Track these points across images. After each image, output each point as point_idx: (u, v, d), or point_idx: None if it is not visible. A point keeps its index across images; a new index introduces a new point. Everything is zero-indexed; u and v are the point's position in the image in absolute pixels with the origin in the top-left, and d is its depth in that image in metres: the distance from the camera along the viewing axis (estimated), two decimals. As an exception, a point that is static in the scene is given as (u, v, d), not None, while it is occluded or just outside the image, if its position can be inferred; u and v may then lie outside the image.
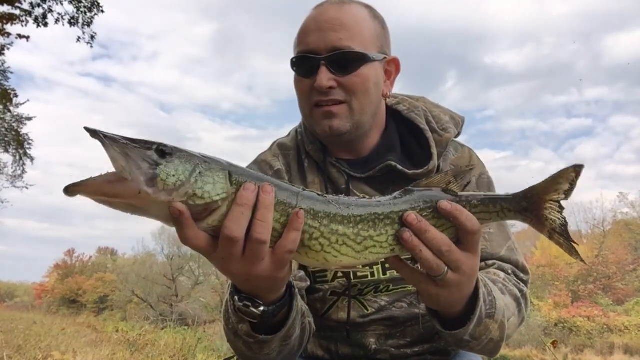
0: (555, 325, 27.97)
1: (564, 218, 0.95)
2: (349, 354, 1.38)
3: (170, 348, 8.45)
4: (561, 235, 0.94)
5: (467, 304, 1.02)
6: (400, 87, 1.52)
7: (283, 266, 0.88)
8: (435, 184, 0.94)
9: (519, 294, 1.28)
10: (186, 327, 14.58)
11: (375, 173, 1.34)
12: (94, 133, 0.77)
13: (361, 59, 1.27)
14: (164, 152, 0.79)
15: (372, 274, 1.34)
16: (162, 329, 13.71)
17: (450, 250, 0.90)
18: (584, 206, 38.57)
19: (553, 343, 5.94)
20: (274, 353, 1.10)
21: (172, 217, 0.79)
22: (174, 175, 0.78)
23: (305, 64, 1.30)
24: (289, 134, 1.53)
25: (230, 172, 0.82)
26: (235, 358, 1.78)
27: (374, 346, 1.35)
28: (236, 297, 0.98)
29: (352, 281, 1.35)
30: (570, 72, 59.66)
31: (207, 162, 0.81)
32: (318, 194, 0.89)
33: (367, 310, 1.35)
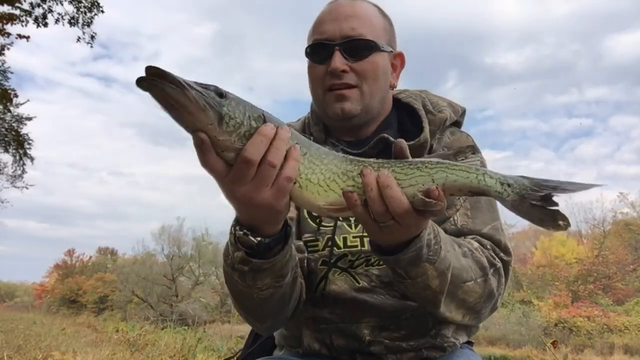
0: (555, 325, 27.99)
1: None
2: (344, 346, 1.38)
3: (170, 348, 8.44)
4: (540, 206, 0.99)
5: (407, 244, 1.08)
6: (401, 86, 1.56)
7: (283, 195, 0.97)
8: (443, 155, 1.00)
9: (486, 264, 1.28)
10: (186, 327, 14.57)
11: (370, 149, 1.38)
12: (152, 78, 0.84)
13: (373, 47, 1.37)
14: (221, 94, 0.90)
15: (362, 244, 1.36)
16: (162, 329, 13.71)
17: (403, 216, 0.97)
18: (584, 206, 38.62)
19: (553, 343, 5.93)
20: (267, 291, 1.17)
21: (196, 144, 0.90)
22: (234, 117, 0.91)
23: (320, 50, 1.39)
24: (298, 119, 1.61)
25: (265, 115, 0.96)
26: (235, 358, 1.79)
27: (367, 337, 1.36)
28: (237, 227, 1.07)
29: (342, 250, 1.38)
30: (571, 73, 59.78)
31: (251, 106, 0.95)
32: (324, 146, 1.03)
33: (359, 283, 1.37)
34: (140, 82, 0.83)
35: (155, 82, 0.83)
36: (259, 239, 1.07)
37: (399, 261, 1.10)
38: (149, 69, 0.83)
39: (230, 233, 1.12)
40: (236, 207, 1.03)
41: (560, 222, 0.98)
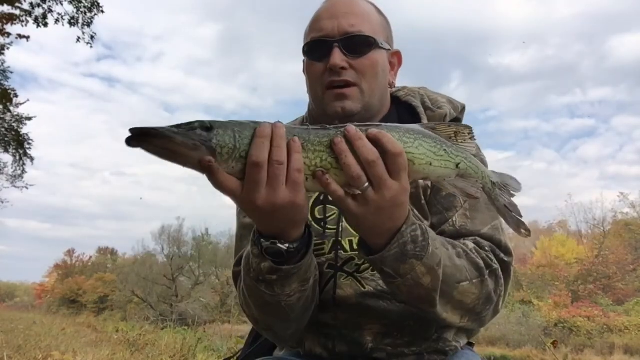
0: (555, 325, 28.00)
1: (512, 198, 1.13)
2: (346, 352, 1.37)
3: (170, 348, 8.43)
4: (509, 209, 1.10)
5: (391, 240, 1.08)
6: (402, 84, 1.56)
7: (299, 188, 0.97)
8: (437, 128, 1.04)
9: (482, 265, 1.25)
10: (186, 327, 14.56)
11: None
12: (138, 137, 0.89)
13: (372, 44, 1.36)
14: (207, 127, 0.93)
15: None
16: (162, 329, 13.69)
17: (376, 163, 0.97)
18: (584, 206, 38.66)
19: (553, 343, 5.95)
20: (295, 296, 1.18)
21: (203, 168, 0.93)
22: (225, 145, 0.94)
23: (318, 48, 1.37)
24: (296, 119, 1.59)
25: (253, 126, 0.98)
26: (235, 358, 1.78)
27: (370, 344, 1.35)
28: (262, 239, 1.08)
29: (349, 253, 1.36)
30: (574, 73, 59.73)
31: (239, 125, 0.97)
32: (324, 127, 1.01)
33: (365, 288, 1.34)
34: (130, 142, 0.89)
35: (142, 139, 0.90)
36: (287, 245, 1.07)
37: (385, 259, 1.09)
38: (132, 131, 0.89)
39: (253, 245, 1.11)
40: (259, 217, 1.03)
41: (523, 231, 1.09)
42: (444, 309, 1.22)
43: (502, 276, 1.30)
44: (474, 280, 1.23)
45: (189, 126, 0.93)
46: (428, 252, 1.11)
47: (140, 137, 0.89)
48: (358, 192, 0.98)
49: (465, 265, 1.22)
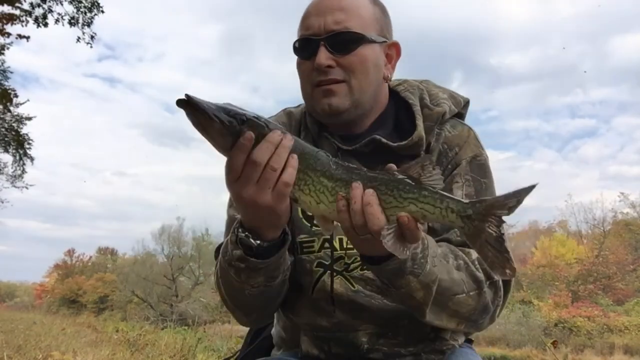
0: (555, 325, 27.97)
1: (500, 231, 1.00)
2: (342, 353, 1.38)
3: (170, 348, 8.42)
4: (493, 247, 1.00)
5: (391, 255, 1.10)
6: (403, 77, 1.54)
7: (283, 199, 1.06)
8: (408, 169, 1.03)
9: (482, 277, 1.27)
10: (186, 327, 14.57)
11: (362, 147, 1.37)
12: (187, 102, 0.99)
13: (359, 40, 1.33)
14: (242, 120, 1.03)
15: None
16: (162, 329, 13.69)
17: (377, 218, 1.01)
18: (584, 206, 38.62)
19: (553, 343, 5.95)
20: (258, 289, 1.26)
21: (225, 151, 1.04)
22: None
23: (306, 46, 1.36)
24: (299, 105, 1.57)
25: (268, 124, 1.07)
26: (234, 358, 1.78)
27: (366, 345, 1.35)
28: (240, 229, 1.17)
29: (339, 252, 1.36)
30: (575, 73, 59.64)
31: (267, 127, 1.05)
32: (325, 155, 1.08)
33: (354, 287, 1.35)
34: (179, 103, 0.99)
35: (189, 106, 1.00)
36: (258, 242, 1.17)
37: (382, 271, 1.15)
38: (186, 96, 0.99)
39: (232, 232, 1.20)
40: (242, 208, 1.12)
41: (507, 271, 1.01)
42: (438, 317, 1.25)
43: (502, 287, 1.31)
44: (471, 293, 1.25)
45: (232, 113, 1.02)
46: (425, 269, 1.16)
47: (189, 104, 0.99)
48: (360, 236, 1.06)
49: (464, 278, 1.25)
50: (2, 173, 19.54)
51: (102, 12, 14.59)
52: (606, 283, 33.03)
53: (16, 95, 17.39)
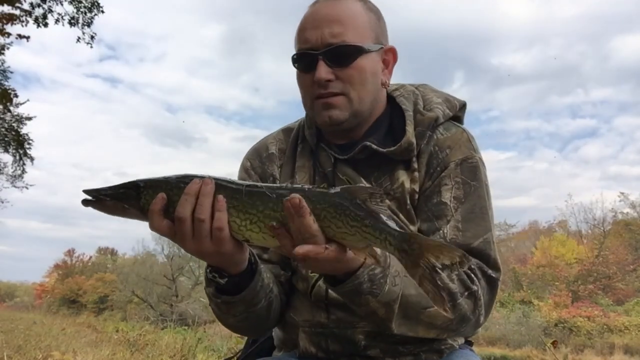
0: (555, 325, 27.98)
1: (433, 276, 0.97)
2: (340, 351, 1.38)
3: (170, 348, 8.42)
4: (430, 282, 0.98)
5: (349, 275, 1.13)
6: (403, 81, 1.55)
7: (221, 243, 1.04)
8: (357, 191, 1.00)
9: (455, 290, 1.25)
10: (186, 327, 14.58)
11: (356, 155, 1.38)
12: (87, 200, 1.06)
13: (356, 52, 1.34)
14: (138, 186, 1.05)
15: None
16: (162, 329, 13.71)
17: (315, 236, 0.99)
18: (584, 206, 38.64)
19: (553, 343, 5.94)
20: (241, 316, 1.29)
21: (144, 215, 1.05)
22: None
23: (304, 60, 1.37)
24: (296, 121, 1.60)
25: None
26: (235, 358, 1.79)
27: (363, 342, 1.36)
28: (208, 269, 1.19)
29: None
30: (577, 74, 59.64)
31: (166, 182, 1.05)
32: (261, 184, 1.05)
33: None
34: (85, 204, 1.06)
35: (86, 203, 1.06)
36: (225, 279, 1.18)
37: (340, 292, 1.17)
38: (85, 192, 1.06)
39: (205, 270, 1.22)
40: (195, 256, 1.12)
41: (444, 309, 0.98)
42: (412, 329, 1.26)
43: (482, 297, 1.29)
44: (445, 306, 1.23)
45: (121, 187, 1.05)
46: (384, 290, 1.17)
47: (92, 202, 1.05)
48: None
49: None
50: (2, 173, 19.55)
51: (102, 12, 14.61)
52: (606, 283, 33.04)
53: (16, 95, 17.40)
